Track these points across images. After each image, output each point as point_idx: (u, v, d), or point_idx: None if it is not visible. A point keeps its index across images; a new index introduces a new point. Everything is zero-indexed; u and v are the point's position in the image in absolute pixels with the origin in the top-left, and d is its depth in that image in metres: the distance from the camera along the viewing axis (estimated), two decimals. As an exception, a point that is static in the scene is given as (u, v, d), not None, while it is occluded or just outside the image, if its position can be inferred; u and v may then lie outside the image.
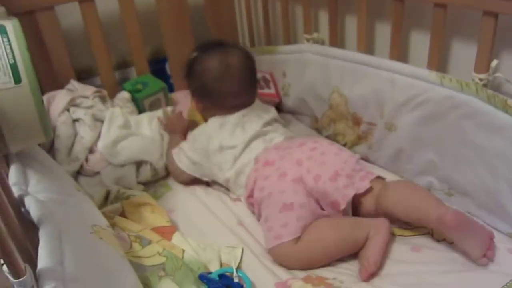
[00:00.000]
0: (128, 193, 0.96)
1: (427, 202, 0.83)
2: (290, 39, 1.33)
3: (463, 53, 0.93)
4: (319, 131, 1.24)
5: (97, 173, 1.09)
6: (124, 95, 1.33)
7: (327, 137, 1.21)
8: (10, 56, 0.62)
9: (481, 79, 0.85)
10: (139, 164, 1.09)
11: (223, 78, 1.05)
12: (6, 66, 0.62)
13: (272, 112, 1.11)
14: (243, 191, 0.98)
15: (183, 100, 1.43)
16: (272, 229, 0.86)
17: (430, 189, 0.98)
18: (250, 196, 0.95)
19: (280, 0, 1.29)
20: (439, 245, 0.85)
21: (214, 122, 1.06)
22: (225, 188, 1.05)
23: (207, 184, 1.09)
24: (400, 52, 1.02)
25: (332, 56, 1.12)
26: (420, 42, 1.00)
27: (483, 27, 0.83)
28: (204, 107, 1.11)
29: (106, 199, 0.98)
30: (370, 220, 0.85)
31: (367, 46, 1.09)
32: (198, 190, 1.06)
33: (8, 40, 0.63)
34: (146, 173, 1.08)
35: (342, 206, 0.86)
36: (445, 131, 0.91)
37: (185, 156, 1.07)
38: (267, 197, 0.89)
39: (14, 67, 0.62)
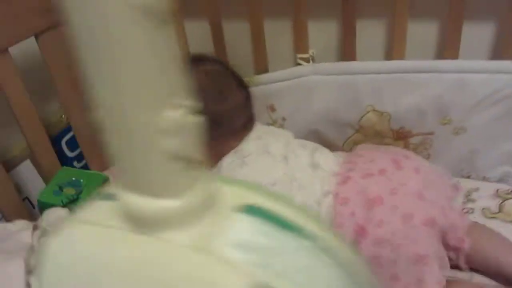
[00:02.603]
0: None
1: None
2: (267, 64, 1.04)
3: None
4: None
5: None
6: (59, 212, 0.79)
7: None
8: None
9: None
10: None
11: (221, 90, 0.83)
12: None
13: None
14: None
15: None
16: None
17: (505, 179, 0.96)
18: None
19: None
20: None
21: (230, 161, 0.78)
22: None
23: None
24: (454, 49, 0.91)
25: (358, 71, 0.93)
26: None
27: None
28: (214, 148, 0.79)
29: None
30: None
31: (400, 51, 0.95)
32: None
33: None
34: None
35: (468, 243, 0.71)
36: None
37: None
38: (393, 251, 0.66)
39: None
